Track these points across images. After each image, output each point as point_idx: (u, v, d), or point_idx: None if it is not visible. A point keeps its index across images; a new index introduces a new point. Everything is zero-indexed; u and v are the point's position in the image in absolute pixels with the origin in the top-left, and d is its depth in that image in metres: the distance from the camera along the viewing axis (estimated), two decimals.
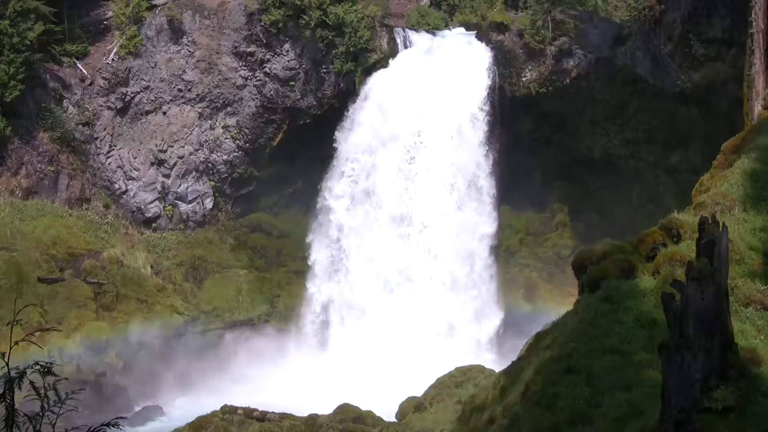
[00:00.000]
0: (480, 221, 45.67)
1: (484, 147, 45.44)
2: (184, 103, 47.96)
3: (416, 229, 45.21)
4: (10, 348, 6.92)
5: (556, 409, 14.22)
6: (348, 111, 46.45)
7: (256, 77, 47.67)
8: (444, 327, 43.56)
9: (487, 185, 45.85)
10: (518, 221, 48.48)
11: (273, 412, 29.97)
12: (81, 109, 46.63)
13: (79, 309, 40.47)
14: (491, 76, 45.78)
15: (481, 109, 45.41)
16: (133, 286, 42.63)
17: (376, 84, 46.25)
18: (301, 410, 30.93)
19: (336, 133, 46.23)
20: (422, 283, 44.53)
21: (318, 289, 46.49)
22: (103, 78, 46.99)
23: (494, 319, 44.74)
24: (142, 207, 47.80)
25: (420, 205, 45.23)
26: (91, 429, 6.75)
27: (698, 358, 10.39)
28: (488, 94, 45.57)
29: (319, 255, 46.88)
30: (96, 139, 47.19)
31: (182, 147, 48.15)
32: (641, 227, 20.78)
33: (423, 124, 45.24)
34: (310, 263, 47.03)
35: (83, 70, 47.04)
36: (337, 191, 46.42)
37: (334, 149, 46.24)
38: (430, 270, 44.61)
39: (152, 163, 47.87)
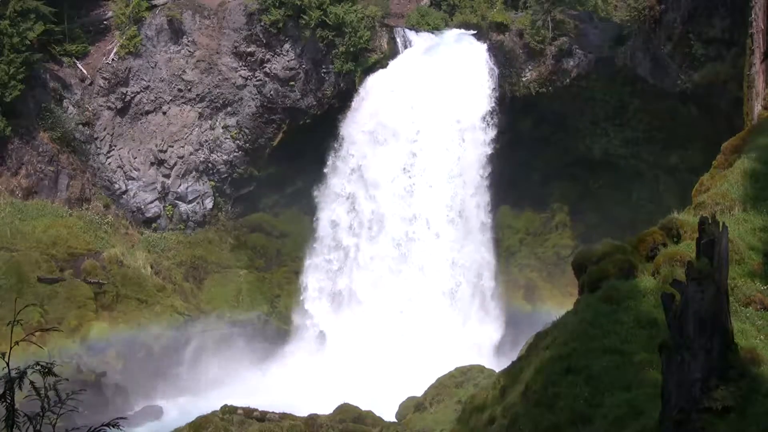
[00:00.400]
0: (487, 329, 41.06)
1: (487, 227, 41.41)
2: (184, 103, 47.95)
3: (410, 348, 39.03)
4: (10, 348, 6.92)
5: (556, 409, 14.22)
6: (326, 166, 43.20)
7: (256, 77, 47.65)
8: None
9: (491, 284, 41.36)
10: (518, 221, 48.29)
11: (273, 412, 29.93)
12: (81, 109, 46.61)
13: (79, 309, 40.42)
14: (494, 133, 42.44)
15: (483, 178, 41.34)
16: (133, 286, 42.59)
17: (359, 144, 41.90)
18: (301, 410, 30.92)
19: (314, 193, 43.05)
20: None
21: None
22: (103, 78, 46.96)
23: None
24: (142, 207, 47.77)
25: (415, 323, 39.53)
26: (91, 429, 6.75)
27: (698, 358, 10.39)
28: (489, 159, 42.18)
29: (299, 361, 42.16)
30: (96, 139, 47.17)
31: (182, 147, 48.13)
32: (641, 227, 20.78)
33: (417, 205, 39.71)
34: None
35: (83, 70, 47.01)
36: (312, 290, 42.33)
37: (313, 212, 42.46)
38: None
39: (152, 163, 47.85)
